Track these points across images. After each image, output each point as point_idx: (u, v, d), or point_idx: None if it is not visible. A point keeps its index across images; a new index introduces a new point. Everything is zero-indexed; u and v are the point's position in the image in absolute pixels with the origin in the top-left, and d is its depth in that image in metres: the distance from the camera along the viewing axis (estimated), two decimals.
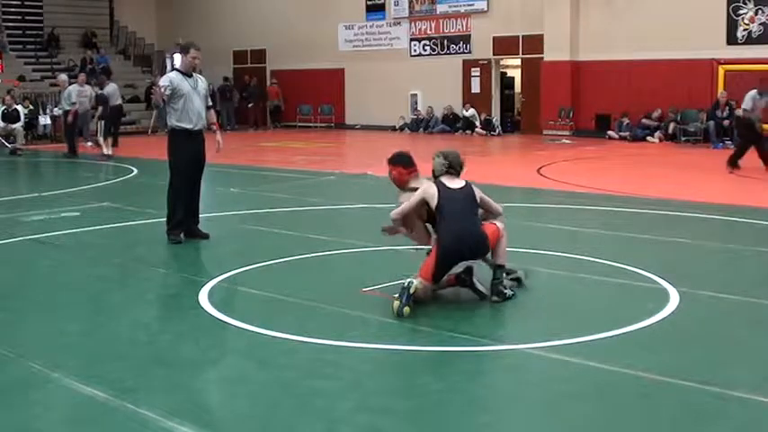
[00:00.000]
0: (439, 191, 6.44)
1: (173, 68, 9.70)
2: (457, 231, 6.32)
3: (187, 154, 8.90)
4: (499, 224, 6.57)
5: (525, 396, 4.68)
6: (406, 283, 5.99)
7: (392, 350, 5.40)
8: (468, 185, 6.52)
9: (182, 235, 8.90)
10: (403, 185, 6.90)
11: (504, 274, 6.55)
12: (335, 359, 5.22)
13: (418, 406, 4.50)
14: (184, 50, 9.01)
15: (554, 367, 5.03)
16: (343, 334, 5.62)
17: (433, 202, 6.42)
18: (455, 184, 6.50)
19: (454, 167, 6.57)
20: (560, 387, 4.72)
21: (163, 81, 8.96)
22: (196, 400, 4.66)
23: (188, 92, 8.79)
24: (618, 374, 4.86)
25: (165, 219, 9.01)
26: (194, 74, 8.98)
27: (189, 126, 8.85)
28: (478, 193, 6.54)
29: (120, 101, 21.76)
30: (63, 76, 22.08)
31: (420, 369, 5.09)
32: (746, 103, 15.84)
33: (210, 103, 9.30)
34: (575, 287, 6.99)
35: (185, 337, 5.87)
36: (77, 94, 21.91)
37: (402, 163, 6.95)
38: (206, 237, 9.01)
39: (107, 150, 19.20)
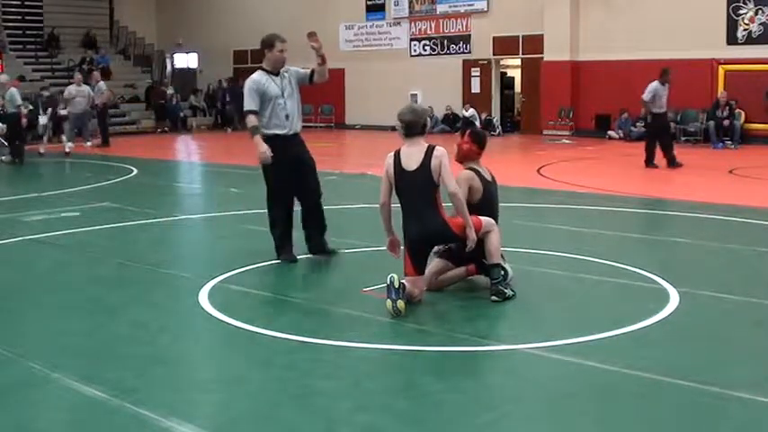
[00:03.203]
0: (395, 173, 6.35)
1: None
2: (415, 224, 6.30)
3: (281, 162, 7.71)
4: (485, 219, 6.49)
5: (525, 396, 4.67)
6: (388, 281, 5.95)
7: (392, 350, 5.40)
8: (426, 160, 6.25)
9: (293, 253, 7.86)
10: (464, 160, 6.91)
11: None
12: (335, 359, 5.22)
13: (418, 406, 4.50)
14: (268, 45, 7.78)
15: (554, 367, 5.03)
16: (343, 334, 5.61)
17: (392, 182, 6.39)
18: (413, 159, 6.28)
19: (411, 130, 6.38)
20: (560, 387, 4.72)
21: (247, 85, 7.73)
22: (196, 400, 4.65)
23: (275, 94, 7.70)
24: (617, 374, 4.86)
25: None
26: (282, 71, 7.84)
27: (280, 131, 7.74)
28: (437, 170, 6.23)
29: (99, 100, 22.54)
30: (4, 77, 19.74)
31: (420, 369, 5.09)
32: (647, 94, 15.82)
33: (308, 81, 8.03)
34: (575, 287, 6.99)
35: (185, 337, 5.87)
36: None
37: (478, 142, 6.95)
38: (333, 253, 8.01)
39: (68, 149, 19.95)
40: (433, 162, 6.25)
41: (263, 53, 7.88)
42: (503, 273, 6.44)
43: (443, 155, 6.29)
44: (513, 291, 6.44)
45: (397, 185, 6.38)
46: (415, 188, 6.29)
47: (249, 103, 7.71)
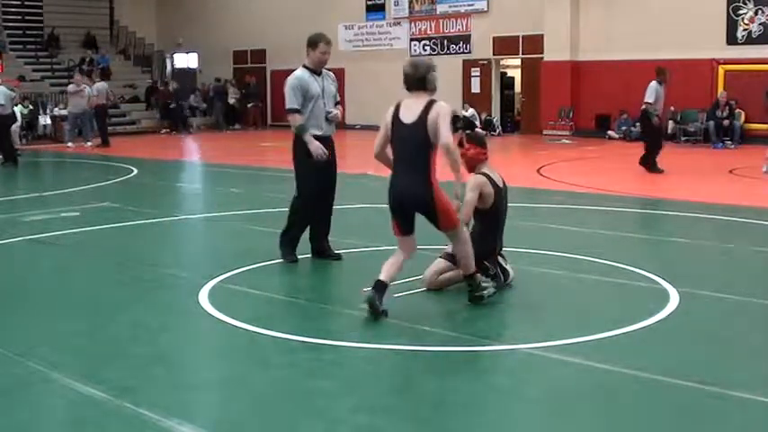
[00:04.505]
0: (393, 124, 6.04)
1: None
2: (398, 183, 6.02)
3: (316, 163, 7.63)
4: (459, 241, 6.13)
5: (525, 396, 4.67)
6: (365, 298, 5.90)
7: (392, 350, 5.40)
8: (423, 114, 5.92)
9: (295, 254, 7.82)
10: (474, 166, 6.82)
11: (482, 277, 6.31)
12: (335, 359, 5.22)
13: (418, 406, 4.50)
14: (312, 44, 7.66)
15: (554, 367, 5.03)
16: (344, 334, 5.61)
17: (388, 129, 6.08)
18: (411, 112, 5.96)
19: (409, 83, 6.07)
20: (560, 387, 4.72)
21: (290, 83, 7.61)
22: (196, 400, 4.65)
23: (317, 94, 7.61)
24: (618, 374, 4.86)
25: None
26: (324, 72, 7.76)
27: (318, 132, 7.62)
28: (434, 125, 5.88)
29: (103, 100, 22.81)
30: None
31: (420, 369, 5.09)
32: (650, 95, 15.06)
33: (338, 100, 7.94)
34: (575, 287, 6.99)
35: (185, 337, 5.87)
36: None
37: (480, 143, 6.89)
38: (338, 257, 7.87)
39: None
40: (431, 116, 5.89)
41: (306, 50, 7.73)
42: (479, 282, 6.25)
43: (443, 108, 5.94)
44: (492, 287, 6.26)
45: (392, 138, 6.07)
46: (408, 144, 5.96)
47: (292, 101, 7.59)
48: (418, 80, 6.05)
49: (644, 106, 15.23)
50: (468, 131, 7.20)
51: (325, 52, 7.66)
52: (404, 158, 6.01)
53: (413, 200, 5.99)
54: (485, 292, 6.21)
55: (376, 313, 5.86)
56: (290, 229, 7.86)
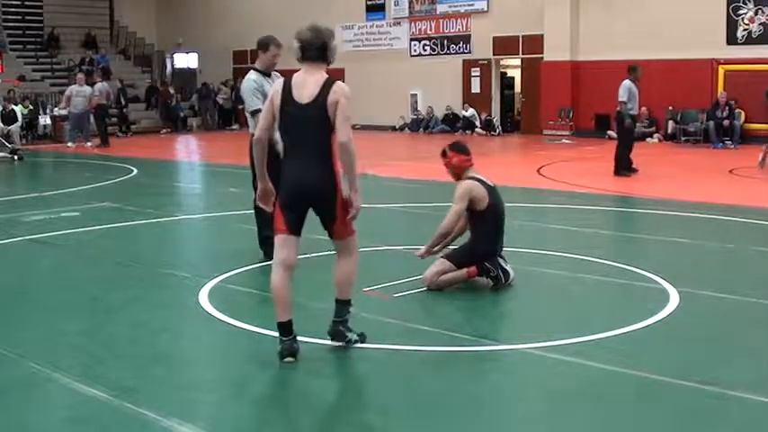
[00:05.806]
0: (282, 103, 5.10)
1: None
2: (295, 171, 5.12)
3: (272, 164, 7.91)
4: (351, 255, 5.54)
5: (525, 396, 4.68)
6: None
7: (392, 350, 5.39)
8: (322, 94, 5.02)
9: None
10: (461, 174, 6.86)
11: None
12: (335, 359, 5.22)
13: (418, 406, 4.50)
14: (263, 47, 7.79)
15: (554, 367, 5.03)
16: None
17: (276, 114, 5.16)
18: (307, 90, 5.05)
19: (308, 51, 5.12)
20: (560, 387, 4.72)
21: (248, 86, 7.70)
22: (196, 399, 4.65)
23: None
24: (618, 374, 4.86)
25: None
26: (273, 74, 7.75)
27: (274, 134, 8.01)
28: (333, 108, 5.00)
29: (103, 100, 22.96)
30: None
31: (420, 369, 5.09)
32: (623, 94, 14.44)
33: None
34: (575, 287, 6.99)
35: (185, 337, 5.87)
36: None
37: (462, 151, 6.91)
38: None
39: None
40: (331, 97, 5.01)
41: (257, 52, 7.90)
42: (349, 313, 5.43)
43: (344, 93, 5.05)
44: (356, 336, 5.37)
45: (281, 119, 5.14)
46: (306, 126, 5.06)
47: (256, 102, 7.64)
48: (319, 48, 5.12)
49: (619, 107, 14.80)
50: (451, 144, 7.10)
51: (276, 55, 7.76)
52: (300, 144, 5.11)
53: (313, 192, 5.14)
54: (350, 335, 5.34)
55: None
56: (261, 232, 7.94)
